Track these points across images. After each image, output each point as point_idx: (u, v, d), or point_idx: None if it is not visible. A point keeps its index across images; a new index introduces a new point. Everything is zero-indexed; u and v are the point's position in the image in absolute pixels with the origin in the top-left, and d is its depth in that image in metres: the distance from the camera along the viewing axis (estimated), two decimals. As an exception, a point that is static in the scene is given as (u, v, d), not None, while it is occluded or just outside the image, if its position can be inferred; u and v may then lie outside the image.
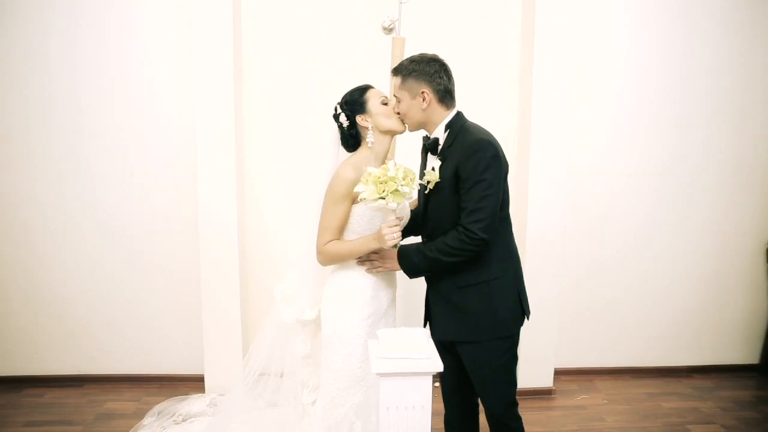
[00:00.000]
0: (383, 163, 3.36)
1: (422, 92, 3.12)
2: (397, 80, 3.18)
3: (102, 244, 4.58)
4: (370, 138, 3.30)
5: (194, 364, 4.67)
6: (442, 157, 3.12)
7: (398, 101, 3.20)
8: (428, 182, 3.17)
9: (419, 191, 3.29)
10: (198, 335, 4.56)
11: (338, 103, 3.37)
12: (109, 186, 4.51)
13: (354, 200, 3.24)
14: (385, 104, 3.29)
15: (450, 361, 3.18)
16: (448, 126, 3.15)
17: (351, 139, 3.32)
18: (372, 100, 3.29)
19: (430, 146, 3.21)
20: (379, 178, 3.11)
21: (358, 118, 3.31)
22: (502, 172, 3.04)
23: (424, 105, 3.13)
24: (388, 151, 3.38)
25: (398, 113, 3.25)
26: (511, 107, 4.70)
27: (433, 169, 3.16)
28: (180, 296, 4.57)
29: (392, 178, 3.11)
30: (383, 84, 3.68)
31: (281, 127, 4.69)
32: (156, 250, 4.58)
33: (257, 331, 3.59)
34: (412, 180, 3.14)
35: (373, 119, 3.29)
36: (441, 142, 3.16)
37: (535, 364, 4.73)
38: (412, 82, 3.12)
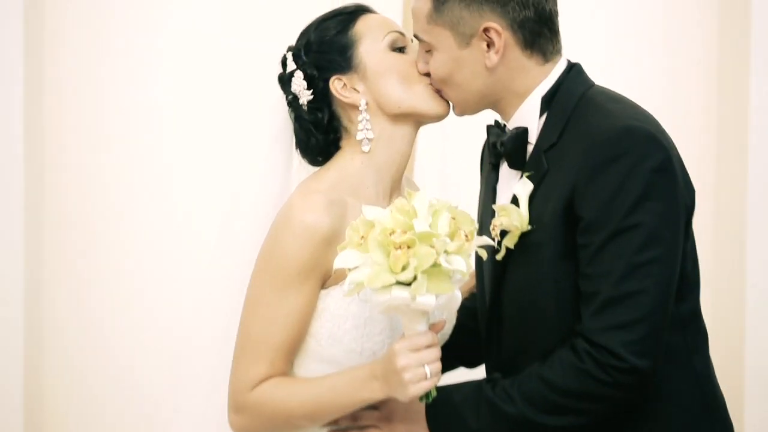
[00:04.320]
0: (394, 191, 1.63)
1: (484, 29, 1.48)
2: (423, 4, 1.53)
3: None
4: (363, 131, 1.57)
5: None
6: (537, 172, 1.46)
7: (428, 52, 1.55)
8: (502, 236, 1.45)
9: (483, 257, 1.51)
10: None
11: (289, 50, 1.65)
12: None
13: (325, 278, 1.52)
14: (402, 50, 1.60)
15: None
16: (548, 99, 1.50)
17: (318, 134, 1.62)
18: (368, 41, 1.59)
19: (507, 148, 1.52)
20: (393, 234, 1.31)
21: (335, 84, 1.59)
22: (679, 200, 1.41)
23: (492, 57, 1.49)
24: (404, 162, 1.63)
25: (430, 78, 1.57)
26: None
27: (514, 203, 1.45)
28: None
29: (426, 236, 1.30)
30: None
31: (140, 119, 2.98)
32: None
33: None
34: (470, 238, 1.35)
35: (373, 86, 1.57)
36: (533, 136, 1.51)
37: None
38: (457, 9, 1.49)
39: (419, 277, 1.27)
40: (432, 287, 1.29)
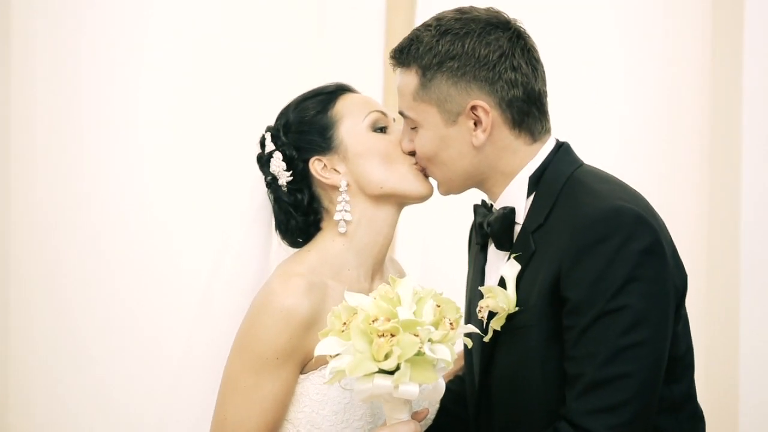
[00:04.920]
0: (377, 272, 1.60)
1: (471, 108, 1.45)
2: (409, 80, 1.49)
3: None
4: (341, 213, 1.54)
5: None
6: (524, 254, 1.44)
7: (414, 129, 1.52)
8: (488, 318, 1.42)
9: (472, 340, 1.48)
10: None
11: (268, 131, 1.62)
12: None
13: (305, 363, 1.49)
14: (384, 130, 1.57)
15: None
16: (536, 179, 1.48)
17: (298, 215, 1.59)
18: (349, 121, 1.56)
19: (494, 229, 1.49)
20: (376, 321, 1.28)
21: (315, 165, 1.56)
22: (668, 282, 1.38)
23: (479, 136, 1.46)
24: (387, 244, 1.60)
25: (414, 157, 1.55)
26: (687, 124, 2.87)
27: (502, 285, 1.43)
28: None
29: (410, 324, 1.27)
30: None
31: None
32: None
33: None
34: (455, 325, 1.33)
35: (354, 167, 1.55)
36: (520, 216, 1.48)
37: None
38: (444, 86, 1.46)
39: (402, 366, 1.25)
40: (415, 376, 1.27)
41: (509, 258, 1.44)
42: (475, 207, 1.55)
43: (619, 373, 1.32)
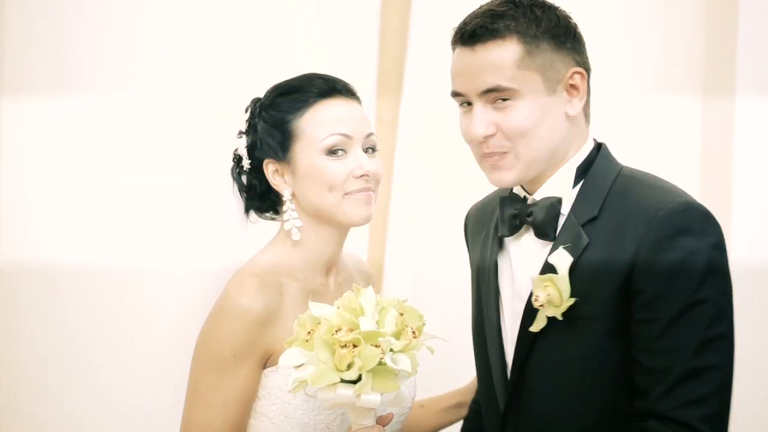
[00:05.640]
0: (332, 268, 1.64)
1: (572, 74, 1.46)
2: (509, 50, 1.44)
3: None
4: (290, 220, 1.57)
5: None
6: (575, 245, 1.41)
7: (501, 109, 1.44)
8: (538, 310, 1.42)
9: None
10: None
11: (254, 103, 1.65)
12: None
13: (266, 358, 1.52)
14: (338, 153, 1.56)
15: None
16: (582, 171, 1.48)
17: (255, 199, 1.64)
18: (306, 140, 1.56)
19: (538, 218, 1.47)
20: (339, 332, 1.30)
21: (268, 167, 1.60)
22: (730, 279, 1.41)
23: (576, 105, 1.47)
24: (338, 247, 1.62)
25: (364, 181, 1.57)
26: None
27: (549, 269, 1.41)
28: None
29: (372, 335, 1.29)
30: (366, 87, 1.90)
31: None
32: None
33: None
34: (417, 335, 1.34)
35: (298, 183, 1.57)
36: (565, 207, 1.46)
37: None
38: (548, 53, 1.45)
39: (364, 376, 1.27)
40: (377, 386, 1.29)
41: (554, 248, 1.42)
42: (502, 199, 1.53)
43: (708, 364, 1.31)
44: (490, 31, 1.43)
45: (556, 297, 1.38)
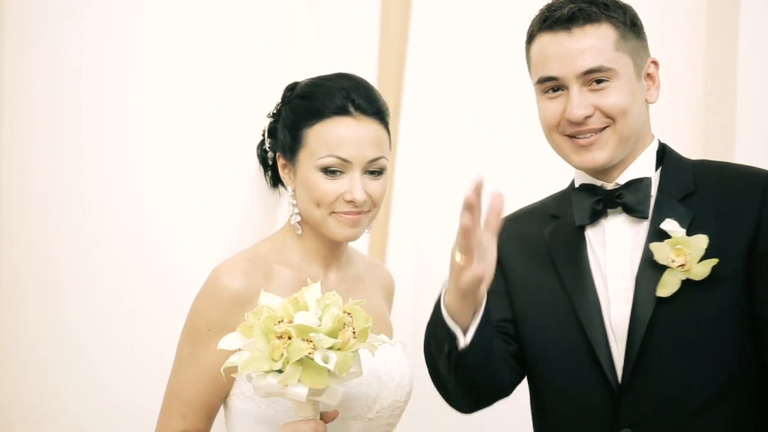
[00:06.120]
0: (331, 265, 1.67)
1: (650, 63, 1.58)
2: (606, 33, 1.51)
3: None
4: (294, 215, 1.63)
5: None
6: (681, 219, 1.49)
7: (598, 90, 1.51)
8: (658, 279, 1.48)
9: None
10: None
11: (287, 89, 1.69)
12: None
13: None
14: (335, 173, 1.57)
15: None
16: (660, 154, 1.58)
17: (270, 171, 1.71)
18: (307, 153, 1.59)
19: (631, 198, 1.53)
20: (276, 322, 1.34)
21: (280, 160, 1.65)
22: None
23: (654, 93, 1.59)
24: (334, 245, 1.65)
25: (353, 204, 1.59)
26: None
27: (662, 237, 1.48)
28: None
29: (303, 330, 1.32)
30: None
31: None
32: None
33: None
34: (358, 337, 1.36)
35: (298, 188, 1.61)
36: (652, 188, 1.54)
37: None
38: (636, 41, 1.55)
39: (288, 368, 1.30)
40: (305, 380, 1.31)
41: (656, 223, 1.48)
42: (577, 191, 1.57)
43: None
44: (588, 14, 1.49)
45: (695, 257, 1.43)
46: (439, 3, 2.55)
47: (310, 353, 1.30)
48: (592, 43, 1.49)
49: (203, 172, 2.70)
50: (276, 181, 1.69)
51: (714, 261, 1.42)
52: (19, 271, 2.80)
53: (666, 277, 1.44)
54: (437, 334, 1.39)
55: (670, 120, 2.63)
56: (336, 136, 1.56)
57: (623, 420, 1.46)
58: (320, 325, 1.33)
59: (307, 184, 1.57)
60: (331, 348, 1.32)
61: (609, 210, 1.52)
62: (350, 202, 1.54)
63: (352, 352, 1.35)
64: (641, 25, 1.55)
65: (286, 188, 1.65)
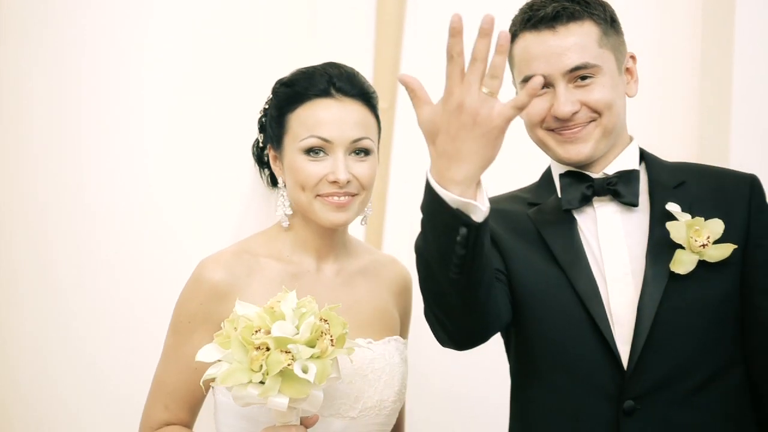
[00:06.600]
0: (328, 255, 1.65)
1: (629, 57, 1.62)
2: (588, 31, 1.54)
3: None
4: (280, 207, 1.61)
5: None
6: (681, 204, 1.55)
7: (584, 86, 1.53)
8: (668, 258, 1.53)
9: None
10: None
11: (277, 84, 1.68)
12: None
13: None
14: (318, 152, 1.56)
15: None
16: (641, 150, 1.64)
17: (265, 167, 1.70)
18: (291, 137, 1.58)
19: (623, 188, 1.56)
20: (257, 333, 1.33)
21: (270, 152, 1.65)
22: None
23: (633, 87, 1.63)
24: (328, 234, 1.62)
25: (337, 185, 1.56)
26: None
27: (669, 218, 1.53)
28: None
29: (281, 341, 1.32)
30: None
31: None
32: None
33: None
34: (336, 344, 1.36)
35: (286, 176, 1.60)
36: (641, 180, 1.60)
37: None
38: (616, 36, 1.59)
39: (269, 381, 1.30)
40: (285, 390, 1.32)
41: (656, 208, 1.53)
42: (562, 177, 1.58)
43: None
44: (572, 12, 1.52)
45: (712, 240, 1.48)
46: (434, 1, 2.55)
47: (289, 365, 1.30)
48: (577, 40, 1.51)
49: (202, 171, 2.71)
50: (274, 180, 1.66)
51: (733, 246, 1.47)
52: (18, 270, 2.80)
53: (681, 255, 1.48)
54: (442, 223, 1.25)
55: (665, 117, 2.70)
56: (317, 117, 1.55)
57: (627, 393, 1.49)
58: (297, 335, 1.33)
59: (292, 169, 1.55)
60: (309, 357, 1.33)
61: (596, 198, 1.55)
62: (334, 182, 1.53)
63: (331, 359, 1.35)
64: (618, 20, 1.58)
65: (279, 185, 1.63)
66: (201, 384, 1.40)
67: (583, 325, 1.51)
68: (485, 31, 1.16)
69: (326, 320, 1.37)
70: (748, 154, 2.57)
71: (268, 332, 1.33)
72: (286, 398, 1.33)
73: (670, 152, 2.63)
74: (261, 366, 1.31)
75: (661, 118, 2.71)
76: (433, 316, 1.39)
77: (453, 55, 1.18)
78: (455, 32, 1.16)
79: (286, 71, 1.76)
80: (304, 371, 1.31)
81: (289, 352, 1.31)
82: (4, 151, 2.80)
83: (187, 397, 1.57)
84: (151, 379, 1.63)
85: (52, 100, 2.76)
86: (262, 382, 1.32)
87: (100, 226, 2.74)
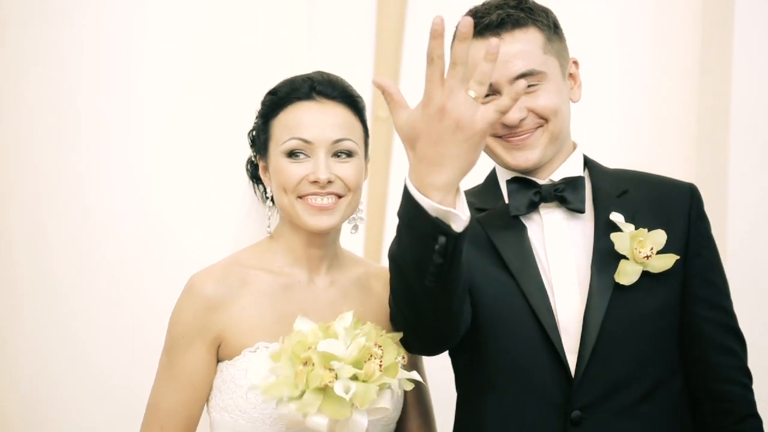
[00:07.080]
0: (320, 266, 1.59)
1: (572, 63, 1.63)
2: (533, 37, 1.54)
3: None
4: (269, 218, 1.62)
5: None
6: (624, 213, 1.55)
7: (530, 93, 1.52)
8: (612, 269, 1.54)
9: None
10: None
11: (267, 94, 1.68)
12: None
13: (216, 346, 1.52)
14: (299, 155, 1.54)
15: None
16: (585, 157, 1.65)
17: (259, 183, 1.70)
18: (274, 142, 1.58)
19: (568, 194, 1.56)
20: (305, 348, 1.32)
21: (260, 163, 1.64)
22: None
23: (577, 92, 1.63)
24: (319, 241, 1.57)
25: (318, 185, 1.54)
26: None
27: (613, 228, 1.54)
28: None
29: (326, 358, 1.30)
30: (361, 88, 1.75)
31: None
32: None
33: None
34: (385, 371, 1.33)
35: (272, 179, 1.59)
36: (587, 189, 1.60)
37: None
38: (559, 42, 1.59)
39: (306, 395, 1.27)
40: (325, 408, 1.28)
41: (601, 217, 1.53)
42: (510, 183, 1.57)
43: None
44: (516, 19, 1.51)
45: (655, 251, 1.49)
46: (434, 2, 2.49)
47: (330, 382, 1.27)
48: (522, 47, 1.50)
49: (202, 171, 2.73)
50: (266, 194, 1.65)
51: (675, 257, 1.48)
52: (18, 271, 2.83)
53: (625, 266, 1.48)
54: (420, 231, 1.22)
55: (664, 119, 2.69)
56: (298, 119, 1.54)
57: (574, 403, 1.47)
58: (347, 353, 1.30)
59: (275, 172, 1.54)
60: (354, 378, 1.29)
61: (542, 204, 1.54)
62: (315, 182, 1.50)
63: (378, 385, 1.31)
64: (561, 27, 1.58)
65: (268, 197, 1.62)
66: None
67: (534, 334, 1.49)
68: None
69: (380, 346, 1.34)
70: (748, 153, 2.52)
71: (310, 347, 1.31)
72: (326, 418, 1.29)
73: (670, 152, 2.67)
74: (304, 381, 1.29)
75: (661, 118, 2.66)
76: (402, 320, 1.37)
77: (434, 57, 1.15)
78: (436, 35, 1.13)
79: (286, 74, 1.77)
80: (346, 391, 1.28)
81: (333, 370, 1.28)
82: (4, 152, 2.84)
83: (182, 417, 1.52)
84: (151, 379, 1.59)
85: (51, 102, 2.79)
86: (296, 400, 1.29)
87: (100, 227, 2.75)
